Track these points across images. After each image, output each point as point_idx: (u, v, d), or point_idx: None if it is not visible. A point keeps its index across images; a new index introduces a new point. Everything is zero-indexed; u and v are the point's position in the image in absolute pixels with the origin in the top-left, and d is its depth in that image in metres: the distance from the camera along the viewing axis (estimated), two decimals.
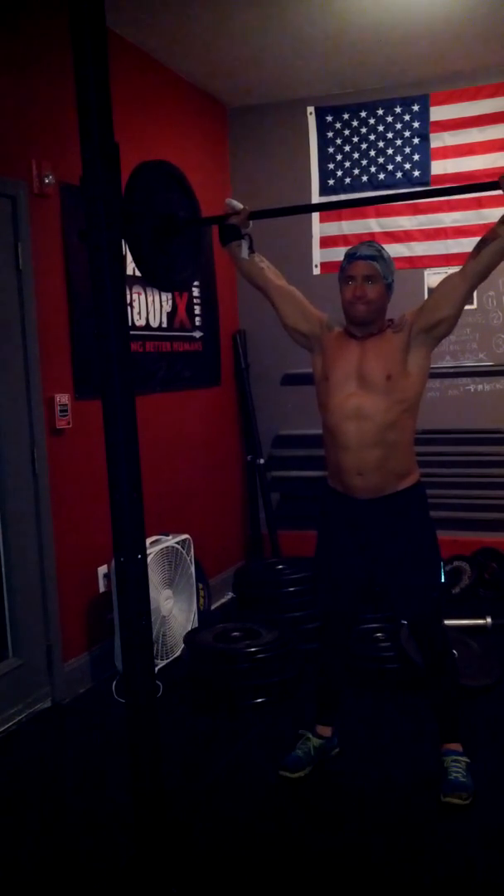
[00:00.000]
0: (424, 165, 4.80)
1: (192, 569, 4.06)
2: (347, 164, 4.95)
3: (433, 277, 4.72)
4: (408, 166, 4.84)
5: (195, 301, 4.75)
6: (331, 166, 4.98)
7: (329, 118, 4.95)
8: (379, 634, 3.71)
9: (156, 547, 3.79)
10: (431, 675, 2.79)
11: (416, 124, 4.78)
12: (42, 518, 3.46)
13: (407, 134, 4.81)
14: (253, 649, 3.44)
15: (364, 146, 4.91)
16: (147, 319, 4.29)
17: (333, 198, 4.94)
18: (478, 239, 2.52)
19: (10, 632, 3.41)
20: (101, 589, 3.82)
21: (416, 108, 4.77)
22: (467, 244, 2.59)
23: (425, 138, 4.78)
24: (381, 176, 4.89)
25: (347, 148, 4.94)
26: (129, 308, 4.06)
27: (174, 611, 3.91)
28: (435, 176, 4.78)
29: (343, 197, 4.89)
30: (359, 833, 2.52)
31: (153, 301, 4.32)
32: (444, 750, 2.75)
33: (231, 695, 3.40)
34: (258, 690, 3.40)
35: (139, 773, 2.07)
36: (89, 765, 3.04)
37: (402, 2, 3.76)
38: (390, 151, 4.86)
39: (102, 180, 1.88)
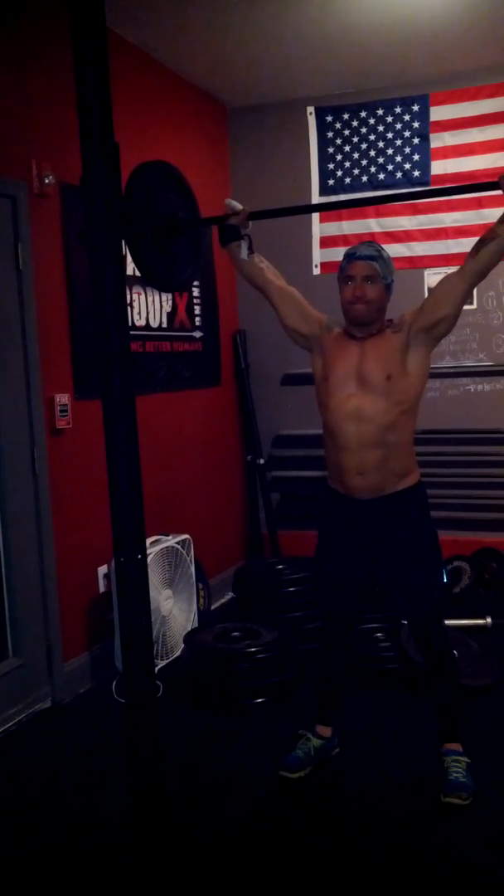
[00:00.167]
0: (424, 165, 4.80)
1: (192, 569, 4.06)
2: (347, 164, 4.95)
3: (433, 277, 4.72)
4: (408, 166, 4.84)
5: (195, 301, 4.75)
6: (331, 166, 4.98)
7: (329, 118, 4.95)
8: (379, 634, 3.71)
9: (156, 547, 3.79)
10: (431, 675, 2.79)
11: (416, 124, 4.78)
12: (42, 518, 3.46)
13: (407, 134, 4.81)
14: (253, 649, 3.44)
15: (364, 146, 4.91)
16: (147, 319, 4.29)
17: (333, 198, 4.94)
18: (479, 238, 2.52)
19: (10, 632, 3.41)
20: (101, 589, 3.82)
21: (416, 108, 4.77)
22: (467, 244, 2.59)
23: (425, 138, 4.78)
24: (381, 176, 4.89)
25: (347, 148, 4.94)
26: (129, 308, 4.06)
27: (174, 611, 3.91)
28: (435, 176, 4.77)
29: (343, 197, 4.89)
30: (359, 833, 2.52)
31: (153, 301, 4.32)
32: (444, 750, 2.75)
33: (231, 695, 3.40)
34: (258, 690, 3.40)
35: (139, 773, 2.08)
36: (89, 765, 3.04)
37: (402, 2, 3.76)
38: (390, 151, 4.86)
39: (102, 180, 1.88)
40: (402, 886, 2.27)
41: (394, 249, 4.75)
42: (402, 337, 2.57)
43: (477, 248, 2.50)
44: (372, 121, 4.87)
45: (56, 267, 3.56)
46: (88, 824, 2.64)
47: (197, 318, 4.77)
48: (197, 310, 4.77)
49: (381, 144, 4.87)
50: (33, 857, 2.48)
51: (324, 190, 5.01)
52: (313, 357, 2.72)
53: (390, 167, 4.87)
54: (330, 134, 4.96)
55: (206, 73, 4.60)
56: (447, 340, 4.72)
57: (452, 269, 2.63)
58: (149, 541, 3.74)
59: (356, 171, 4.94)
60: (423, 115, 4.76)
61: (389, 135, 4.85)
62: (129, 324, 3.84)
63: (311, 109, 4.98)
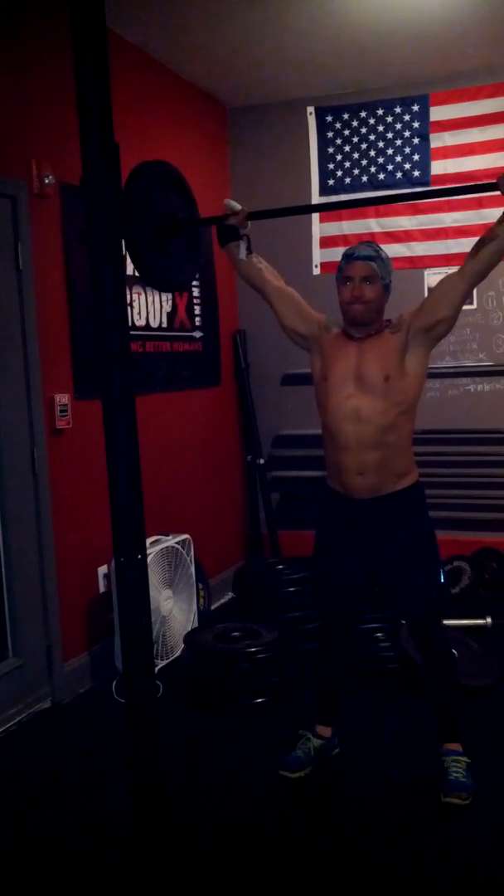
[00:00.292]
0: (424, 165, 4.80)
1: (192, 569, 4.06)
2: (347, 164, 4.95)
3: (433, 277, 4.72)
4: (408, 166, 4.83)
5: (195, 301, 4.75)
6: (331, 166, 4.98)
7: (329, 118, 4.95)
8: (379, 634, 3.71)
9: (156, 547, 3.79)
10: (431, 674, 2.79)
11: (416, 124, 4.78)
12: (42, 518, 3.46)
13: (407, 134, 4.81)
14: (253, 649, 3.44)
15: (364, 146, 4.91)
16: (147, 319, 4.29)
17: (333, 198, 4.93)
18: (478, 238, 2.52)
19: (10, 632, 3.41)
20: (101, 589, 3.82)
21: (416, 108, 4.77)
22: (467, 244, 2.58)
23: (425, 138, 4.78)
24: (381, 176, 4.89)
25: (347, 148, 4.94)
26: (129, 308, 4.06)
27: (174, 611, 3.91)
28: (435, 176, 4.77)
29: (343, 197, 4.89)
30: (359, 833, 2.52)
31: (153, 301, 4.32)
32: (444, 750, 2.75)
33: (231, 695, 3.40)
34: (258, 690, 3.40)
35: (139, 773, 2.08)
36: (89, 765, 3.04)
37: (402, 2, 3.75)
38: (390, 151, 4.86)
39: (102, 180, 1.88)
40: (402, 886, 2.28)
41: (394, 249, 4.75)
42: (401, 337, 2.56)
43: (476, 248, 2.50)
44: (372, 121, 4.87)
45: (56, 267, 3.56)
46: (88, 824, 2.64)
47: (197, 318, 4.77)
48: (197, 310, 4.77)
49: (381, 144, 4.87)
50: (33, 857, 2.48)
51: (324, 190, 5.01)
52: (312, 357, 2.72)
53: (390, 167, 4.87)
54: (330, 134, 4.96)
55: (206, 73, 4.60)
56: (447, 340, 4.72)
57: (452, 270, 2.63)
58: (149, 541, 3.74)
59: (356, 171, 4.94)
60: (423, 115, 4.76)
61: (389, 135, 4.85)
62: (129, 324, 3.84)
63: (311, 109, 4.98)
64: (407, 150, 4.83)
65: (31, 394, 3.39)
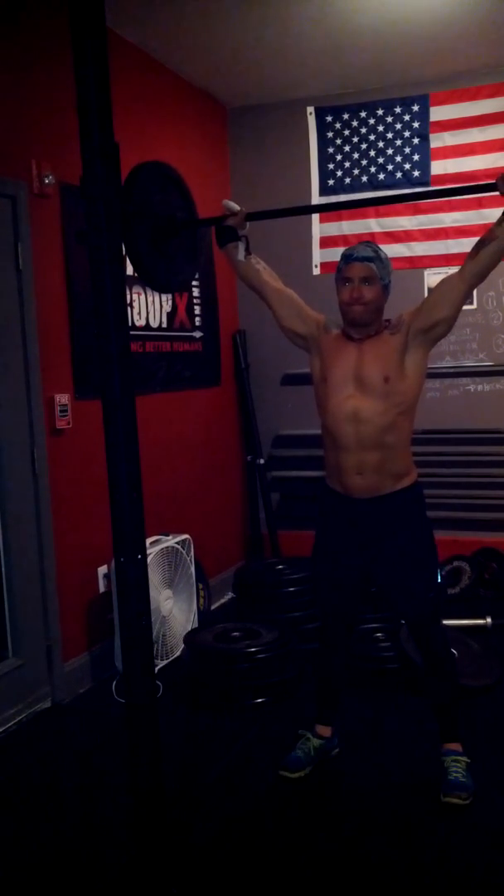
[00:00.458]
0: (424, 165, 4.80)
1: (192, 569, 4.06)
2: (347, 164, 4.95)
3: (433, 277, 4.72)
4: (408, 166, 4.84)
5: (195, 301, 4.75)
6: (331, 166, 4.98)
7: (329, 118, 4.95)
8: (379, 634, 3.71)
9: (156, 547, 3.79)
10: (431, 675, 2.79)
11: (416, 124, 4.78)
12: (42, 518, 3.46)
13: (407, 134, 4.81)
14: (253, 649, 3.45)
15: (364, 146, 4.91)
16: (147, 319, 4.29)
17: (333, 198, 4.94)
18: (478, 239, 2.52)
19: (10, 632, 3.41)
20: (101, 589, 3.82)
21: (416, 108, 4.77)
22: (467, 244, 2.58)
23: (425, 138, 4.78)
24: (381, 176, 4.89)
25: (347, 148, 4.94)
26: (129, 308, 4.06)
27: (174, 611, 3.91)
28: (435, 176, 4.78)
29: (343, 197, 4.89)
30: (359, 833, 2.52)
31: (153, 301, 4.32)
32: (443, 750, 2.75)
33: (231, 695, 3.40)
34: (258, 690, 3.40)
35: (139, 773, 2.08)
36: (89, 765, 3.04)
37: (402, 2, 3.76)
38: (390, 151, 4.86)
39: (102, 180, 1.88)
40: (402, 886, 2.28)
41: (394, 249, 4.75)
42: (401, 338, 2.56)
43: (476, 249, 2.50)
44: (372, 121, 4.87)
45: (56, 267, 3.56)
46: (88, 824, 2.64)
47: (197, 319, 4.77)
48: (197, 310, 4.77)
49: (381, 144, 4.87)
50: (33, 857, 2.48)
51: (324, 190, 5.01)
52: (311, 358, 2.72)
53: (390, 167, 4.87)
54: (330, 134, 4.96)
55: (205, 73, 4.60)
56: (447, 340, 4.72)
57: (452, 270, 2.63)
58: (149, 541, 3.74)
59: (356, 172, 4.94)
60: (423, 115, 4.76)
61: (389, 135, 4.85)
62: (129, 324, 3.84)
63: (311, 109, 4.98)
64: (407, 150, 4.83)
65: (31, 394, 3.39)
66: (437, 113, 4.74)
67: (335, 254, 3.08)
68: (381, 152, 4.88)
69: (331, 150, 4.97)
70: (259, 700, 3.39)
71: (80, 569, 3.71)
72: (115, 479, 1.96)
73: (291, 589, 4.08)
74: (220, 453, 5.05)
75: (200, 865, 2.37)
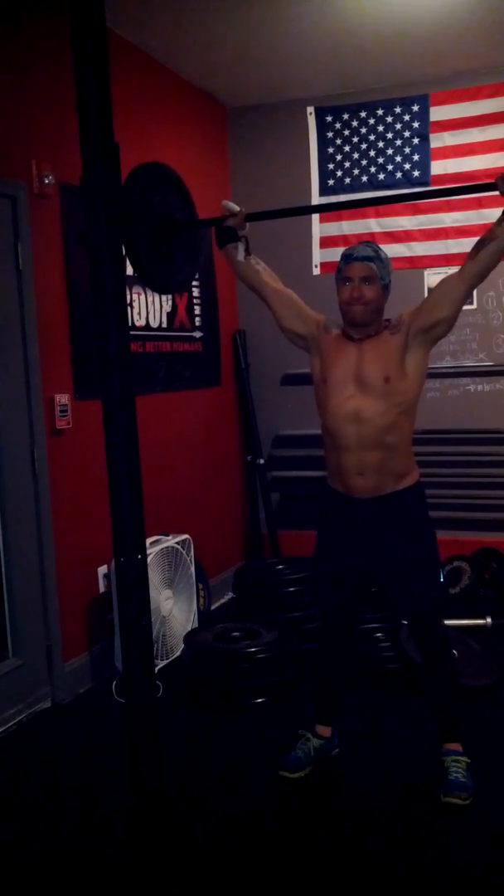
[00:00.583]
0: (424, 165, 4.80)
1: (192, 569, 4.06)
2: (347, 164, 4.95)
3: (433, 277, 4.72)
4: (408, 166, 4.84)
5: (195, 301, 4.75)
6: (331, 166, 4.98)
7: (329, 118, 4.95)
8: (379, 634, 3.71)
9: (156, 547, 3.79)
10: (431, 674, 2.78)
11: (416, 124, 4.78)
12: (42, 518, 3.46)
13: (407, 134, 4.81)
14: (253, 649, 3.45)
15: (364, 146, 4.91)
16: (147, 319, 4.29)
17: (333, 198, 4.94)
18: (478, 239, 2.52)
19: (10, 632, 3.41)
20: (101, 589, 3.82)
21: (416, 108, 4.77)
22: (467, 244, 2.58)
23: (425, 138, 4.78)
24: (381, 176, 4.89)
25: (347, 148, 4.94)
26: (129, 308, 4.06)
27: (174, 611, 3.91)
28: (435, 176, 4.77)
29: (343, 197, 4.89)
30: (359, 833, 2.52)
31: (153, 301, 4.32)
32: (444, 750, 2.75)
33: (231, 695, 3.40)
34: (258, 690, 3.40)
35: (139, 773, 2.08)
36: (89, 765, 3.04)
37: (402, 2, 3.76)
38: (390, 151, 4.86)
39: (102, 180, 1.88)
40: (402, 886, 2.28)
41: (394, 249, 4.75)
42: (401, 338, 2.56)
43: (476, 249, 2.50)
44: (372, 121, 4.87)
45: (56, 267, 3.56)
46: (88, 824, 2.64)
47: (197, 319, 4.77)
48: (197, 310, 4.77)
49: (381, 144, 4.87)
50: (33, 858, 2.48)
51: (324, 190, 5.01)
52: (311, 358, 2.72)
53: (390, 167, 4.87)
54: (330, 134, 4.96)
55: (205, 73, 4.60)
56: (447, 340, 4.72)
57: (452, 270, 2.63)
58: (149, 541, 3.74)
59: (356, 172, 4.94)
60: (423, 115, 4.76)
61: (389, 135, 4.85)
62: (129, 324, 3.84)
63: (311, 109, 4.98)
64: (407, 150, 4.83)
65: (31, 394, 3.39)
66: (437, 113, 4.74)
67: (335, 254, 3.09)
68: (381, 152, 4.88)
69: (331, 150, 4.97)
70: (259, 700, 3.39)
71: (80, 569, 3.70)
72: (115, 479, 1.96)
73: (291, 589, 4.08)
74: (220, 453, 5.05)
75: (200, 865, 2.37)
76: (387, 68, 4.59)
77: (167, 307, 4.45)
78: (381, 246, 2.69)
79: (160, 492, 4.15)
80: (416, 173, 4.82)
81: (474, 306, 4.77)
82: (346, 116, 4.92)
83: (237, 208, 2.65)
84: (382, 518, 2.62)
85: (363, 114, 4.88)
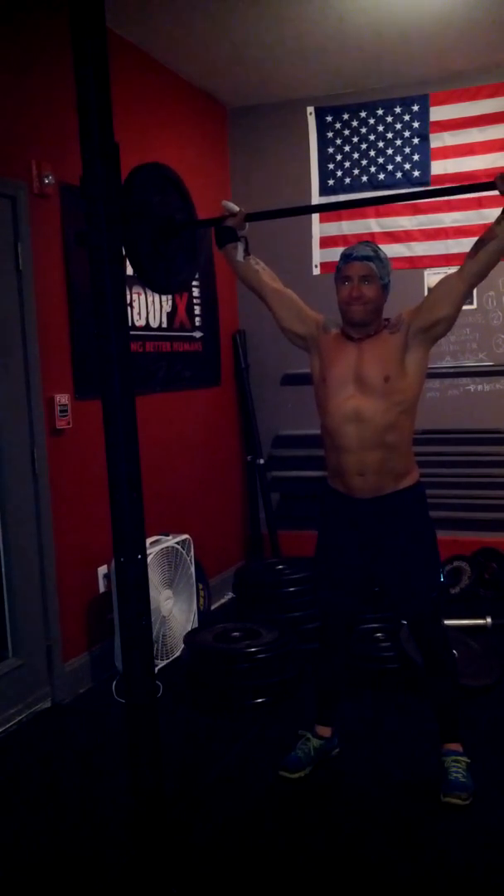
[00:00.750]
0: (424, 165, 4.80)
1: (192, 569, 4.06)
2: (347, 164, 4.95)
3: (433, 277, 4.71)
4: (408, 166, 4.84)
5: (195, 301, 4.75)
6: (331, 166, 4.99)
7: (329, 118, 4.95)
8: (379, 634, 3.71)
9: (156, 547, 3.79)
10: (431, 674, 2.78)
11: (416, 124, 4.78)
12: (42, 518, 3.46)
13: (407, 134, 4.81)
14: (253, 649, 3.44)
15: (364, 146, 4.91)
16: (147, 319, 4.29)
17: (333, 198, 4.94)
18: (477, 238, 2.52)
19: (10, 632, 3.41)
20: (101, 589, 3.82)
21: (416, 108, 4.77)
22: (467, 244, 2.58)
23: (425, 138, 4.78)
24: (381, 176, 4.89)
25: (347, 148, 4.94)
26: (129, 308, 4.06)
27: (174, 611, 3.91)
28: (435, 176, 4.78)
29: (343, 197, 4.89)
30: (358, 833, 2.52)
31: (153, 301, 4.32)
32: (444, 750, 2.75)
33: (231, 695, 3.40)
34: (258, 690, 3.40)
35: (139, 773, 2.08)
36: (89, 765, 3.04)
37: (402, 2, 3.76)
38: (390, 151, 4.86)
39: (102, 180, 1.88)
40: (402, 886, 2.28)
41: (394, 249, 4.75)
42: (400, 337, 2.56)
43: (475, 248, 2.49)
44: (372, 121, 4.87)
45: (56, 267, 3.56)
46: (88, 824, 2.64)
47: (197, 319, 4.77)
48: (197, 310, 4.77)
49: (381, 144, 4.87)
50: (33, 857, 2.48)
51: (324, 190, 5.01)
52: (311, 358, 2.72)
53: (390, 167, 4.87)
54: (330, 134, 4.96)
55: (205, 73, 4.60)
56: (447, 340, 4.73)
57: (452, 270, 2.62)
58: (149, 541, 3.74)
59: (356, 172, 4.94)
60: (423, 115, 4.76)
61: (389, 135, 4.85)
62: (129, 324, 3.84)
63: (311, 109, 4.98)
64: (407, 150, 4.83)
65: (31, 394, 3.39)
66: (437, 113, 4.74)
67: (335, 254, 3.10)
68: (381, 152, 4.88)
69: (331, 150, 4.97)
70: (259, 700, 3.39)
71: (80, 569, 3.71)
72: (115, 479, 1.96)
73: (291, 589, 4.08)
74: (220, 453, 5.05)
75: (200, 865, 2.37)
76: (387, 68, 4.59)
77: (167, 307, 4.45)
78: (381, 246, 2.69)
79: (160, 492, 4.15)
80: (416, 173, 4.82)
81: (474, 306, 4.77)
82: (346, 116, 4.92)
83: (236, 208, 2.65)
84: (383, 518, 2.62)
85: (363, 114, 4.88)
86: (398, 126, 4.82)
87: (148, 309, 4.29)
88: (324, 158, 4.99)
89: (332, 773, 2.88)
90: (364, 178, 4.93)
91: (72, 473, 3.61)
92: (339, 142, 4.95)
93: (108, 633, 3.72)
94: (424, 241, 4.84)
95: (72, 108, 1.90)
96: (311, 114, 4.98)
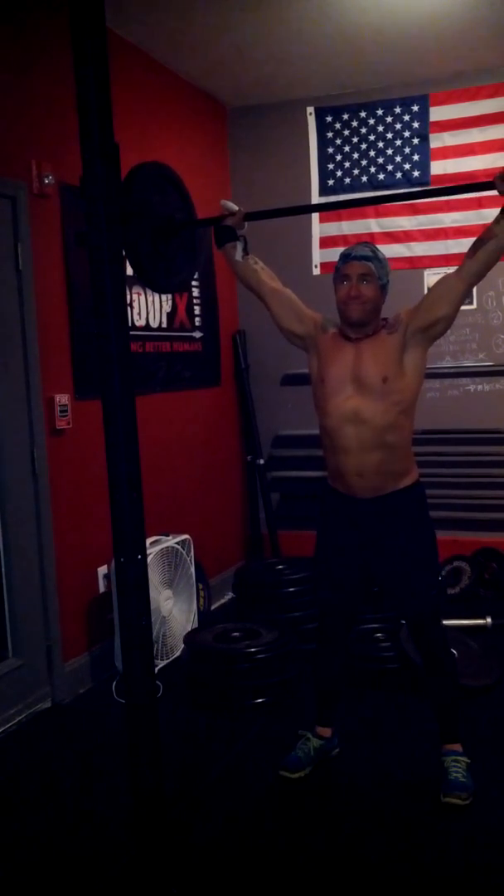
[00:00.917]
0: (424, 165, 4.80)
1: (192, 569, 4.06)
2: (347, 164, 4.96)
3: (433, 278, 4.71)
4: (407, 166, 4.84)
5: (195, 301, 4.75)
6: (330, 166, 4.99)
7: (329, 118, 4.95)
8: (379, 634, 3.71)
9: (156, 547, 3.79)
10: (431, 674, 2.78)
11: (415, 124, 4.79)
12: (42, 518, 3.46)
13: (407, 134, 4.81)
14: (253, 649, 3.44)
15: (364, 146, 4.91)
16: (147, 319, 4.29)
17: (333, 198, 4.94)
18: (476, 238, 2.52)
19: (10, 632, 3.41)
20: (101, 589, 3.82)
21: (415, 108, 4.77)
22: (467, 244, 2.58)
23: (425, 138, 4.78)
24: (381, 176, 4.89)
25: (347, 148, 4.94)
26: (129, 308, 4.06)
27: (174, 611, 3.91)
28: (435, 176, 4.78)
29: (343, 197, 4.89)
30: (358, 833, 2.52)
31: (153, 301, 4.32)
32: (444, 750, 2.75)
33: (231, 695, 3.40)
34: (258, 690, 3.40)
35: (139, 773, 2.08)
36: (89, 765, 3.04)
37: (402, 2, 3.76)
38: (390, 151, 4.86)
39: (102, 180, 1.88)
40: (402, 886, 2.28)
41: (393, 250, 4.75)
42: (399, 337, 2.56)
43: (474, 248, 2.49)
44: (372, 121, 4.87)
45: (56, 267, 3.56)
46: (88, 824, 2.64)
47: (197, 319, 4.77)
48: (197, 310, 4.77)
49: (380, 144, 4.87)
50: (33, 858, 2.48)
51: (323, 190, 5.01)
52: (309, 357, 2.71)
53: (390, 167, 4.87)
54: (330, 134, 4.96)
55: (205, 73, 4.60)
56: (447, 340, 4.73)
57: (452, 270, 2.63)
58: (149, 541, 3.74)
59: (356, 172, 4.94)
60: (423, 115, 4.76)
61: (389, 135, 4.85)
62: (129, 324, 3.84)
63: (310, 109, 4.98)
64: (407, 150, 4.83)
65: (31, 394, 3.39)
66: (437, 113, 4.74)
67: (335, 254, 3.10)
68: (380, 152, 4.88)
69: (331, 150, 4.97)
70: (259, 700, 3.39)
71: (80, 569, 3.71)
72: (115, 479, 1.96)
73: (291, 589, 4.08)
74: (220, 453, 5.05)
75: (200, 865, 2.37)
76: (387, 68, 4.59)
77: (167, 307, 4.45)
78: (381, 246, 2.70)
79: (160, 492, 4.15)
80: (415, 173, 4.82)
81: (474, 306, 4.77)
82: (345, 116, 4.92)
83: (236, 208, 2.65)
84: (383, 518, 2.62)
85: (363, 114, 4.88)
86: (398, 126, 4.82)
87: (148, 309, 4.29)
88: (324, 158, 4.99)
89: (332, 773, 2.88)
90: (364, 179, 4.93)
91: (72, 473, 3.61)
92: (338, 142, 4.95)
93: (108, 633, 3.72)
94: (424, 242, 4.84)
95: (72, 108, 1.90)
96: (311, 114, 4.99)
